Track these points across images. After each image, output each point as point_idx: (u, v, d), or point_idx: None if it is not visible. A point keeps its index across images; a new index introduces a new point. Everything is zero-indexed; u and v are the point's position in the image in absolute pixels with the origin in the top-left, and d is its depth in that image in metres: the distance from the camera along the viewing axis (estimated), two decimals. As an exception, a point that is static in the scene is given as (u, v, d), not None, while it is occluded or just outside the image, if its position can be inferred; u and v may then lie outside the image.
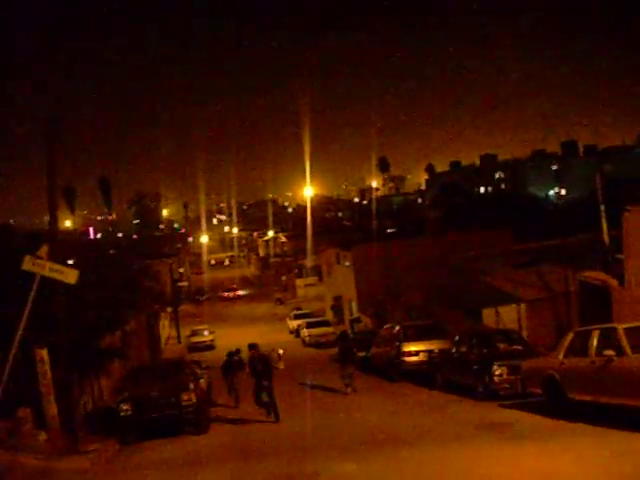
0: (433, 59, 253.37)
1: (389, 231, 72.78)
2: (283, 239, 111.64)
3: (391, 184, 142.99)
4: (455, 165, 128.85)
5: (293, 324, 55.37)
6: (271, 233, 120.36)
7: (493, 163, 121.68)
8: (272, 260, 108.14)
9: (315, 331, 47.13)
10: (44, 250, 14.62)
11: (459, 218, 61.22)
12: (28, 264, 14.37)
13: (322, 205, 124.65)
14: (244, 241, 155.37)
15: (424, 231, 54.16)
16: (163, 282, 51.59)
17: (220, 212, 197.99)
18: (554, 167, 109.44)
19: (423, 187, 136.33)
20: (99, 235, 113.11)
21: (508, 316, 26.74)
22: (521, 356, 18.03)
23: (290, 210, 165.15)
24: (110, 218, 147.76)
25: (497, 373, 17.70)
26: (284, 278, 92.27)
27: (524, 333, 24.68)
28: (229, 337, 49.46)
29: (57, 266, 14.79)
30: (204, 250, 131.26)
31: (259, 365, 18.49)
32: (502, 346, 20.33)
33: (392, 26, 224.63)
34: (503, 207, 63.18)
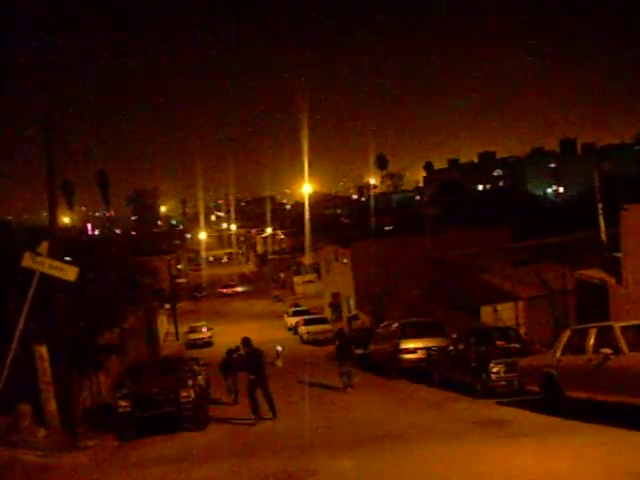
0: (432, 57, 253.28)
1: (387, 228, 72.87)
2: (281, 236, 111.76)
3: (389, 181, 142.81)
4: (453, 162, 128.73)
5: (291, 321, 55.41)
6: (269, 230, 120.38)
7: (491, 161, 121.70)
8: (270, 257, 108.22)
9: (313, 328, 47.15)
10: (44, 247, 14.66)
11: (457, 216, 61.32)
12: (28, 261, 14.41)
13: (320, 202, 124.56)
14: (242, 238, 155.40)
15: (422, 229, 54.21)
16: (162, 279, 51.63)
17: (218, 209, 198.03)
18: (552, 165, 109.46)
19: (421, 184, 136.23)
20: (97, 232, 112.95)
21: (506, 314, 26.82)
22: (519, 354, 18.07)
23: (288, 207, 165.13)
24: (108, 214, 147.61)
25: (495, 371, 17.75)
26: (282, 275, 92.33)
27: (522, 331, 24.75)
28: (227, 334, 49.47)
29: (57, 263, 14.84)
30: (202, 247, 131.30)
31: (251, 361, 18.28)
32: (500, 344, 20.36)
33: (392, 24, 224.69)
34: (501, 205, 63.23)
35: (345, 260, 52.17)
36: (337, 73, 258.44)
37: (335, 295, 57.13)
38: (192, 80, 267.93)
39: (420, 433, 14.03)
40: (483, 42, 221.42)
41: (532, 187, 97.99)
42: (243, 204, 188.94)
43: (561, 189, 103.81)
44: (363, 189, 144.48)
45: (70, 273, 14.88)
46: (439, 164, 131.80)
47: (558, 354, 14.15)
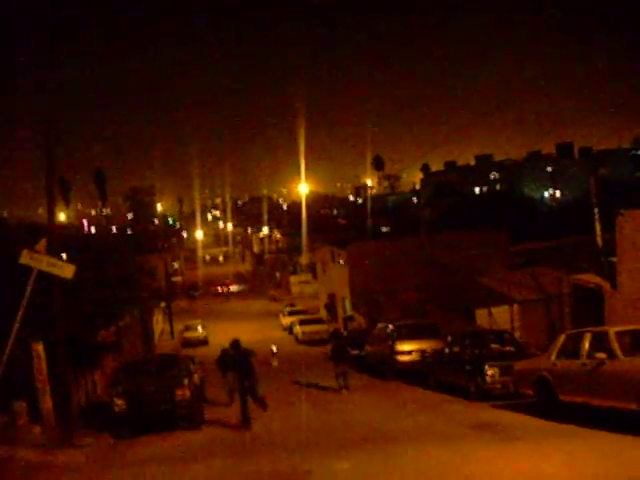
0: (430, 59, 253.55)
1: (384, 230, 72.96)
2: (278, 236, 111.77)
3: (386, 183, 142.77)
4: (450, 165, 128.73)
5: (286, 321, 55.46)
6: (266, 230, 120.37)
7: (488, 163, 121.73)
8: (266, 256, 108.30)
9: (308, 328, 47.20)
10: (42, 244, 14.66)
11: (454, 218, 61.40)
12: (26, 258, 14.41)
13: (317, 202, 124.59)
14: (239, 237, 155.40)
15: (419, 231, 54.26)
16: (158, 277, 51.57)
17: (215, 208, 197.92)
18: (549, 169, 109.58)
19: (418, 186, 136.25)
20: (93, 229, 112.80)
21: (501, 317, 26.91)
22: (513, 357, 18.16)
23: (285, 207, 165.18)
24: (104, 212, 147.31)
25: (489, 374, 17.83)
26: (278, 275, 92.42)
27: (517, 334, 24.83)
28: (223, 333, 49.30)
29: (54, 260, 14.85)
30: (199, 245, 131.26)
31: (241, 362, 18.12)
32: (495, 347, 20.46)
33: (389, 26, 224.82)
34: (498, 208, 63.33)
35: (341, 261, 52.22)
36: (335, 73, 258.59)
37: (331, 296, 57.17)
38: (189, 79, 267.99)
39: (415, 435, 14.10)
40: (481, 45, 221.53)
41: (529, 190, 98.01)
42: (239, 203, 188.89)
43: (557, 193, 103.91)
44: (360, 190, 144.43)
45: (67, 271, 14.89)
46: (436, 166, 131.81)
47: (553, 358, 14.23)
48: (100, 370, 25.09)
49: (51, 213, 16.15)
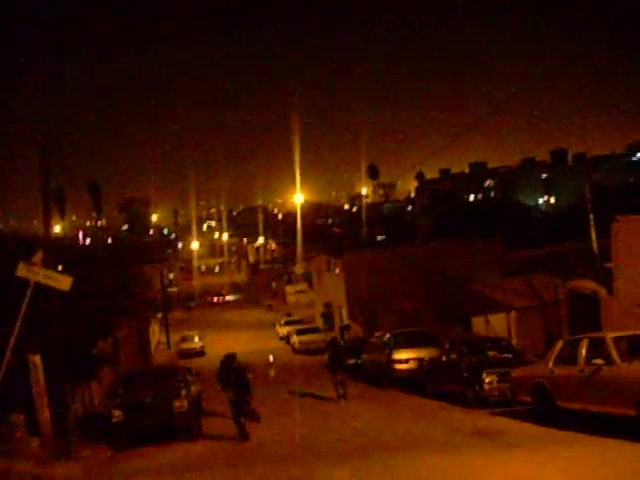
0: (424, 67, 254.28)
1: (379, 238, 72.93)
2: (273, 246, 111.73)
3: (381, 191, 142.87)
4: (445, 173, 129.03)
5: (283, 331, 55.37)
6: (261, 240, 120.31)
7: (483, 171, 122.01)
8: (262, 266, 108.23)
9: (305, 338, 47.13)
10: (38, 256, 14.64)
11: (449, 226, 61.43)
12: (22, 270, 14.39)
13: (312, 212, 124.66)
14: (234, 247, 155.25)
15: (414, 239, 54.28)
16: (154, 288, 51.47)
17: (210, 218, 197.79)
18: (543, 175, 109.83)
19: (413, 195, 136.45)
20: (88, 240, 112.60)
21: (498, 324, 26.91)
22: (511, 364, 18.16)
23: (280, 217, 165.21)
24: (99, 223, 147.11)
25: (487, 381, 17.82)
26: (274, 285, 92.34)
27: (514, 341, 24.82)
28: (219, 343, 49.43)
29: (51, 273, 14.83)
30: (194, 256, 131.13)
31: (236, 378, 17.88)
32: (492, 354, 20.42)
33: (384, 35, 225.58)
34: (493, 215, 63.39)
35: (337, 270, 52.19)
36: (329, 82, 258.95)
37: (327, 305, 57.09)
38: (184, 89, 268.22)
39: (413, 443, 14.10)
40: (475, 53, 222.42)
41: (523, 197, 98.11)
42: (235, 213, 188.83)
43: (552, 199, 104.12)
44: (355, 199, 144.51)
45: (64, 283, 14.87)
46: (431, 174, 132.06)
47: (550, 365, 14.25)
48: (97, 381, 25.01)
49: (47, 225, 16.13)
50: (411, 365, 24.37)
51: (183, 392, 18.03)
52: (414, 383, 23.14)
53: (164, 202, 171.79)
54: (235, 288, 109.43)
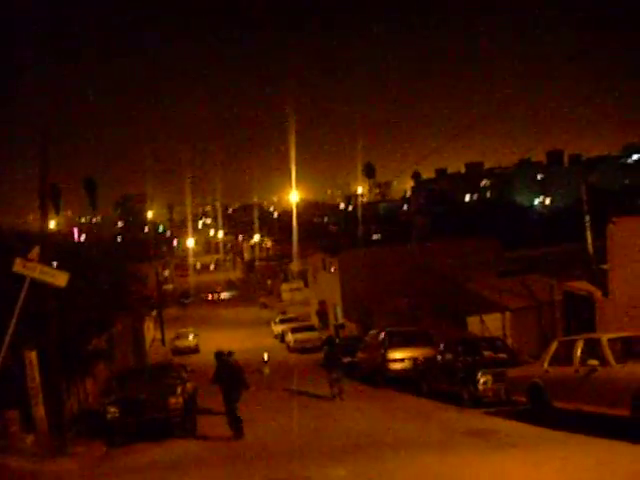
0: (421, 67, 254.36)
1: (374, 237, 73.01)
2: (269, 243, 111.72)
3: (377, 190, 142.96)
4: (441, 172, 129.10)
5: (278, 329, 55.32)
6: (257, 237, 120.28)
7: (479, 171, 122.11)
8: (257, 264, 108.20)
9: (300, 336, 47.09)
10: (35, 252, 14.62)
11: (445, 225, 61.56)
12: (19, 266, 14.36)
13: (308, 210, 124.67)
14: (229, 245, 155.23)
15: (410, 238, 54.40)
16: (149, 285, 51.42)
17: (205, 215, 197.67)
18: (539, 176, 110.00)
19: (409, 194, 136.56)
20: (83, 237, 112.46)
21: (493, 324, 26.96)
22: (506, 364, 18.22)
23: (275, 214, 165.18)
24: (94, 220, 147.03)
25: (482, 381, 17.87)
26: (269, 282, 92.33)
27: (509, 341, 24.89)
28: (214, 341, 49.34)
29: (47, 269, 14.80)
30: (190, 253, 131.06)
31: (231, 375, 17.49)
32: (487, 354, 20.52)
33: (381, 33, 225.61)
34: (488, 215, 63.54)
35: (333, 269, 52.22)
36: (326, 81, 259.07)
37: (322, 303, 57.14)
38: (179, 86, 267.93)
39: (409, 442, 14.11)
40: (472, 53, 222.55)
41: (519, 198, 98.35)
42: (230, 211, 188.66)
43: (548, 200, 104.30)
44: (350, 197, 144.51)
45: (61, 279, 14.83)
46: (427, 174, 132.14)
47: (545, 365, 14.30)
48: (92, 378, 24.97)
49: (44, 221, 16.11)
50: (406, 364, 24.42)
51: (179, 389, 18.02)
52: (409, 382, 23.19)
53: (159, 199, 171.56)
54: (230, 286, 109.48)
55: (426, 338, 26.16)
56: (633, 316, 18.70)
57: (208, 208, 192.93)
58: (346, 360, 29.07)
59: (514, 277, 30.07)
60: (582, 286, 22.55)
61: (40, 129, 16.08)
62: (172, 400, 17.26)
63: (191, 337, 53.41)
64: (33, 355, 15.31)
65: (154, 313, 57.94)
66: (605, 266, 20.66)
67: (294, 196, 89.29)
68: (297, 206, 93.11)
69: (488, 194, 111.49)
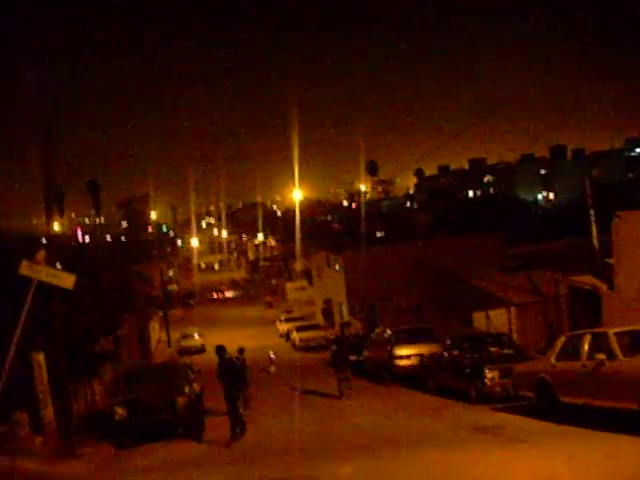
0: (423, 64, 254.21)
1: (378, 235, 72.97)
2: (273, 243, 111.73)
3: (380, 188, 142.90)
4: (444, 169, 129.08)
5: (283, 328, 55.36)
6: (261, 236, 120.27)
7: (482, 167, 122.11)
8: (262, 264, 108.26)
9: (305, 335, 47.14)
10: (41, 255, 14.64)
11: (448, 222, 61.53)
12: (26, 269, 14.38)
13: (311, 208, 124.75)
14: (233, 244, 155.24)
15: (413, 235, 54.36)
16: (155, 285, 51.58)
17: (209, 215, 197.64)
18: (543, 171, 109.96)
19: (412, 191, 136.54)
20: (87, 238, 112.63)
21: (498, 320, 26.93)
22: (513, 360, 18.19)
23: (279, 213, 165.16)
24: (98, 221, 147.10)
25: (489, 376, 17.87)
26: (274, 281, 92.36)
27: (514, 337, 24.87)
28: (219, 340, 49.20)
29: (54, 271, 14.84)
30: (194, 253, 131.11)
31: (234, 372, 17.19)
32: (493, 350, 20.46)
33: (383, 31, 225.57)
34: (492, 211, 63.50)
35: (337, 267, 52.25)
36: (328, 79, 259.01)
37: (327, 301, 57.17)
38: (182, 86, 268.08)
39: (416, 439, 14.13)
40: (474, 49, 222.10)
41: (522, 193, 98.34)
42: (234, 210, 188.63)
43: (551, 195, 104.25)
44: (354, 195, 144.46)
45: (67, 281, 14.87)
46: (430, 171, 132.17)
47: (553, 360, 14.28)
48: (99, 379, 25.03)
49: (49, 224, 16.15)
50: (412, 361, 24.42)
51: (186, 389, 18.07)
52: (415, 379, 23.20)
53: (163, 199, 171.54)
54: (235, 285, 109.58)
55: (432, 335, 26.19)
56: (639, 310, 18.69)
57: (212, 208, 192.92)
58: (352, 358, 29.12)
59: (519, 272, 30.04)
60: (587, 280, 22.55)
61: (42, 131, 16.06)
62: (179, 400, 17.30)
63: (196, 337, 53.44)
64: (41, 357, 15.34)
65: (160, 314, 58.06)
66: (610, 260, 20.66)
67: (297, 195, 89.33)
68: (300, 205, 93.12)
69: (491, 190, 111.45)
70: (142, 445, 16.62)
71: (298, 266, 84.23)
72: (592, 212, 23.71)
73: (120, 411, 17.08)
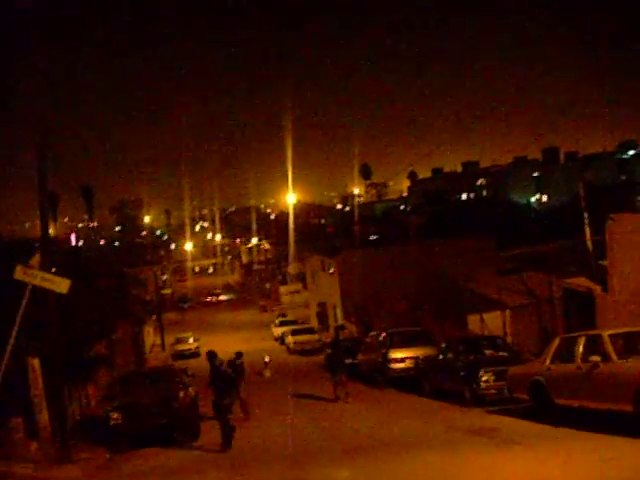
0: (416, 68, 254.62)
1: (372, 238, 72.98)
2: (266, 246, 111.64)
3: (373, 191, 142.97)
4: (437, 172, 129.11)
5: (278, 331, 55.33)
6: (255, 240, 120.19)
7: (475, 170, 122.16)
8: (256, 267, 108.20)
9: (300, 338, 47.10)
10: (36, 259, 14.63)
11: (442, 225, 61.53)
12: (20, 273, 14.36)
13: (305, 212, 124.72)
14: (227, 248, 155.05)
15: (407, 238, 54.38)
16: (149, 289, 51.53)
17: (202, 219, 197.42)
18: (535, 174, 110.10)
19: (405, 194, 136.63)
20: (81, 242, 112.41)
21: (493, 322, 26.99)
22: (507, 362, 18.24)
23: (273, 217, 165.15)
24: (91, 225, 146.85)
25: (484, 379, 17.91)
26: (268, 285, 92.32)
27: (509, 339, 24.93)
28: (214, 344, 49.15)
29: (49, 275, 14.80)
30: (188, 257, 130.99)
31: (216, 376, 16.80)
32: (488, 352, 20.53)
33: (376, 35, 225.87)
34: (485, 214, 63.54)
35: (331, 270, 52.26)
36: (322, 83, 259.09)
37: (322, 305, 57.18)
38: (175, 90, 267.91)
39: (412, 442, 14.13)
40: (466, 53, 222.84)
41: (515, 196, 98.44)
42: (227, 214, 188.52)
43: (545, 197, 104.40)
44: (347, 198, 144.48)
45: (62, 286, 14.83)
46: (423, 173, 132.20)
47: (547, 362, 14.31)
48: (94, 384, 25.00)
49: (44, 229, 16.10)
50: (407, 364, 24.45)
51: (181, 393, 18.04)
52: (410, 382, 23.21)
53: (156, 203, 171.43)
54: (229, 289, 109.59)
55: (426, 338, 26.22)
56: (633, 312, 18.75)
57: (205, 211, 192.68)
58: (347, 361, 29.11)
59: (513, 275, 30.07)
60: (582, 282, 22.58)
61: (38, 138, 16.03)
62: (175, 405, 17.25)
63: (191, 341, 53.40)
64: (36, 362, 15.33)
65: (154, 318, 58.00)
66: (604, 262, 20.70)
67: (291, 198, 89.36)
68: (294, 208, 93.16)
69: (485, 193, 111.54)
70: (137, 450, 16.57)
71: (292, 269, 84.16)
72: (586, 214, 23.76)
73: (115, 416, 17.02)
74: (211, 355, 17.09)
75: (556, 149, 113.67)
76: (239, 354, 22.56)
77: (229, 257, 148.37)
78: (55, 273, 15.45)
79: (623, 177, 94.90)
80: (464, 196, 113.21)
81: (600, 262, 21.53)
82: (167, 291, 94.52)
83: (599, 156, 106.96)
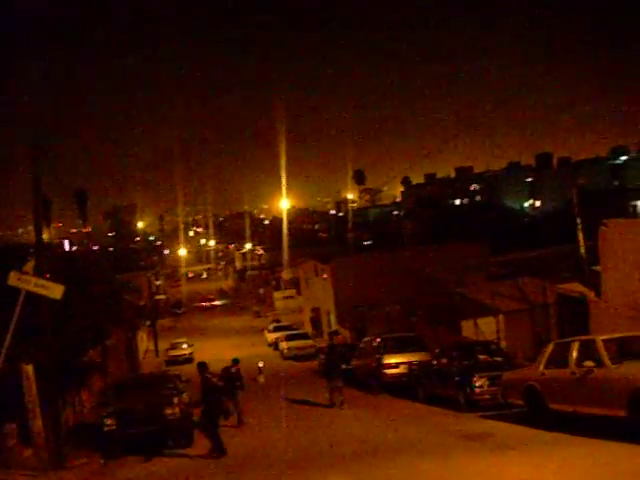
0: (410, 74, 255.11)
1: (366, 243, 73.14)
2: (260, 251, 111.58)
3: (367, 196, 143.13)
4: (430, 177, 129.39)
5: (271, 337, 55.16)
6: (248, 246, 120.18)
7: (468, 175, 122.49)
8: (249, 273, 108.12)
9: (294, 344, 46.97)
10: (30, 265, 14.62)
11: (435, 230, 61.70)
12: (14, 279, 14.35)
13: (299, 217, 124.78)
14: (221, 254, 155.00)
15: (401, 243, 54.51)
16: (143, 295, 51.42)
17: (196, 224, 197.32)
18: (529, 179, 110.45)
19: (399, 199, 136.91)
20: (74, 248, 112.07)
21: (487, 328, 26.99)
22: (501, 367, 18.29)
23: (266, 222, 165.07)
24: (84, 230, 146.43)
25: (478, 384, 17.94)
26: (262, 290, 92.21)
27: (503, 344, 24.95)
28: (207, 350, 49.32)
29: (42, 281, 14.79)
30: (182, 263, 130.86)
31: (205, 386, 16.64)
32: (482, 357, 20.57)
33: (370, 40, 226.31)
34: (479, 219, 63.70)
35: (325, 275, 52.24)
36: (316, 89, 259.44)
37: (315, 310, 57.11)
38: (170, 96, 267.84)
39: (407, 448, 14.14)
40: (460, 59, 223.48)
41: (509, 201, 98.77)
42: (221, 219, 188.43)
43: (537, 203, 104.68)
44: (341, 204, 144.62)
45: (56, 291, 14.82)
46: (417, 179, 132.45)
47: (541, 367, 14.35)
48: (87, 390, 24.93)
49: (38, 234, 16.09)
50: (401, 370, 24.47)
51: (175, 399, 17.98)
52: (404, 388, 23.22)
53: (150, 209, 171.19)
54: (222, 294, 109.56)
55: (420, 343, 26.26)
56: (626, 317, 18.80)
57: (199, 217, 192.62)
58: (342, 367, 29.09)
59: (506, 280, 30.13)
60: (575, 288, 22.69)
61: (32, 142, 16.03)
62: (169, 411, 17.21)
63: (185, 347, 53.26)
64: (30, 368, 15.28)
65: (147, 324, 57.86)
66: (597, 267, 20.78)
67: (285, 204, 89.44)
68: (288, 214, 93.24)
69: (478, 198, 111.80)
70: (131, 456, 16.55)
71: (286, 275, 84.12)
72: (579, 220, 23.89)
73: (109, 422, 16.98)
74: (201, 367, 17.04)
75: (549, 155, 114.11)
76: (235, 361, 22.43)
77: (223, 263, 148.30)
78: (49, 279, 15.45)
79: (616, 182, 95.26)
80: (458, 201, 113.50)
81: (593, 267, 21.65)
82: (161, 297, 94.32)
83: (592, 162, 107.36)
